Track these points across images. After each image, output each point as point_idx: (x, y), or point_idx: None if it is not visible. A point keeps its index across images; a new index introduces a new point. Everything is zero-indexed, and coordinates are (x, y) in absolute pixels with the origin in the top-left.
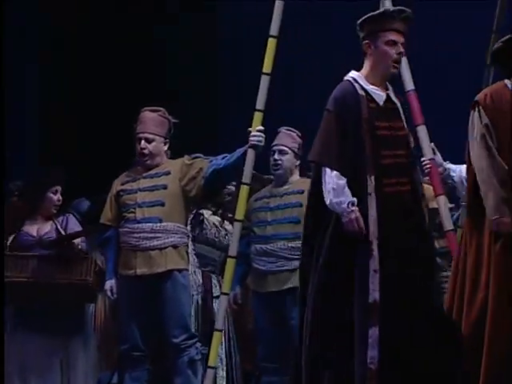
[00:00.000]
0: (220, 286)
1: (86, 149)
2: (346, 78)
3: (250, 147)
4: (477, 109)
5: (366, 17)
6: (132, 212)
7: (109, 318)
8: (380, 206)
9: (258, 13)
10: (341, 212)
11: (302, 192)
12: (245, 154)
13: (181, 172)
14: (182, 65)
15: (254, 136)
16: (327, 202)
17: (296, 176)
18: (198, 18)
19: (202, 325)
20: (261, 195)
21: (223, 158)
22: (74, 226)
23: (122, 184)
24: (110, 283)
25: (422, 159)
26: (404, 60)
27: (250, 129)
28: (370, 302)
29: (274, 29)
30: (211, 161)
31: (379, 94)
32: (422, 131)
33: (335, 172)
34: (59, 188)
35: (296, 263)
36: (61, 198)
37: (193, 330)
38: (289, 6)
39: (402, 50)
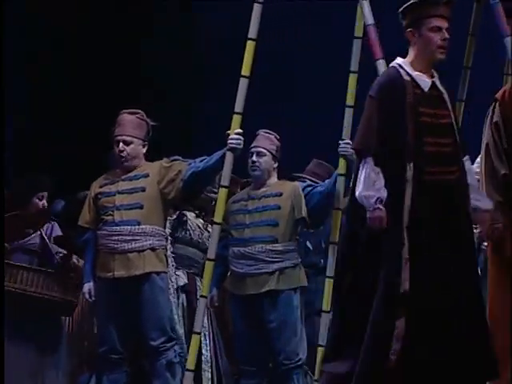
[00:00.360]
0: None
1: (64, 150)
2: (391, 64)
3: (228, 150)
4: (492, 105)
5: (408, 4)
6: (110, 214)
7: (87, 320)
8: (418, 194)
9: (238, 14)
10: (367, 207)
11: (281, 194)
12: (223, 156)
13: (159, 174)
14: (159, 67)
15: (233, 139)
16: (356, 194)
17: (274, 178)
18: (176, 19)
19: (187, 326)
20: (238, 197)
21: (202, 161)
22: (59, 233)
23: (101, 186)
24: (87, 286)
25: None
26: (382, 62)
27: (228, 131)
28: (401, 291)
29: (252, 32)
30: (190, 163)
31: (425, 81)
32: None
33: (370, 162)
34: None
35: (274, 266)
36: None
37: (181, 332)
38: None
39: (447, 35)
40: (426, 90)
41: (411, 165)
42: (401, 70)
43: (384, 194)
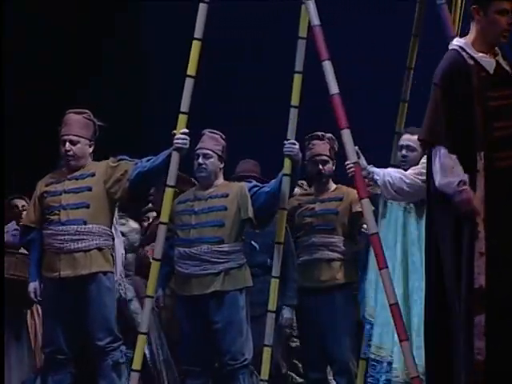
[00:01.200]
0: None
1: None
2: (451, 46)
3: (174, 150)
4: None
5: None
6: (56, 214)
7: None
8: (491, 182)
9: (186, 14)
10: (451, 193)
11: (227, 195)
12: (170, 156)
13: (106, 174)
14: (106, 65)
15: (179, 138)
16: (436, 184)
17: (220, 179)
18: (124, 18)
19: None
20: (184, 198)
21: (148, 161)
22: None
23: (46, 185)
24: (33, 285)
25: (346, 163)
26: (328, 63)
27: (174, 131)
28: (476, 287)
29: (198, 31)
30: (136, 163)
31: (489, 62)
32: (346, 135)
33: (443, 150)
34: None
35: (220, 267)
36: None
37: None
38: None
39: None
40: (491, 71)
41: (482, 154)
42: (463, 53)
43: (465, 176)
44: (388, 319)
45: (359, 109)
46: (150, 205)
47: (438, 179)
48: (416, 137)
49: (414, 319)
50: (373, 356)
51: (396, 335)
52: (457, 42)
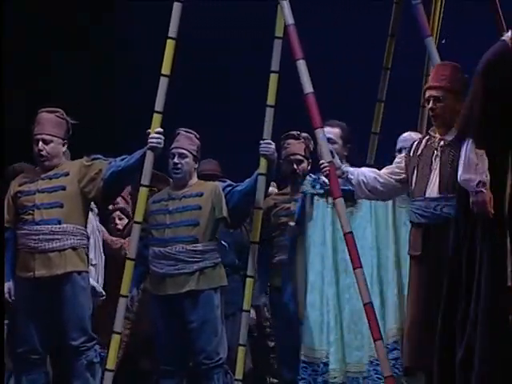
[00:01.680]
0: None
1: None
2: (502, 37)
3: (148, 149)
4: None
5: None
6: (30, 214)
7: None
8: None
9: (159, 13)
10: (470, 191)
11: (201, 195)
12: (144, 155)
13: (79, 173)
14: (79, 65)
15: (153, 138)
16: (458, 178)
17: (195, 179)
18: (97, 17)
19: None
20: (158, 198)
21: (122, 160)
22: None
23: (20, 185)
24: (7, 285)
25: (321, 162)
26: (302, 63)
27: (148, 130)
28: (510, 284)
29: (172, 30)
30: (110, 162)
31: None
32: (321, 134)
33: (471, 144)
34: None
35: (194, 266)
36: None
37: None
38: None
39: None
40: None
41: None
42: (511, 45)
43: (486, 178)
44: (319, 319)
45: (334, 108)
46: (111, 206)
47: (460, 173)
48: (337, 130)
49: (346, 318)
50: (303, 358)
51: (332, 336)
52: (508, 33)
